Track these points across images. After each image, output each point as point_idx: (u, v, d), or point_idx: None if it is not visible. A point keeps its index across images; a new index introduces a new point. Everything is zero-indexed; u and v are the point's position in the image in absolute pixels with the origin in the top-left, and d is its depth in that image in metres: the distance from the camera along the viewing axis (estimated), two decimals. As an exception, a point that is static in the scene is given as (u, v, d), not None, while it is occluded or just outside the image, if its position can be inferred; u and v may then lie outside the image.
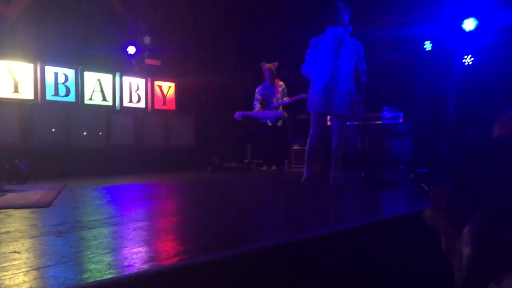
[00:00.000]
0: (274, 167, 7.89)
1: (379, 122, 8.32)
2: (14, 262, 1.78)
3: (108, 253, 1.99)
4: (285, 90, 7.70)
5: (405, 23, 7.97)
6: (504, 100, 6.69)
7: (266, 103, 7.80)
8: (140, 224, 2.81)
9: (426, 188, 0.77)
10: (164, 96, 8.91)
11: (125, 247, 2.10)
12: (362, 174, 5.02)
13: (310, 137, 4.86)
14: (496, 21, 7.31)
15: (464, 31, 7.76)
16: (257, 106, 7.76)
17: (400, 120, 8.23)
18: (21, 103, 6.90)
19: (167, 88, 8.97)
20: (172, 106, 9.04)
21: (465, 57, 7.81)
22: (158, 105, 8.84)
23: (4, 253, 1.92)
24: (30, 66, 7.06)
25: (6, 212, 3.25)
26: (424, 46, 8.53)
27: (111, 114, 7.93)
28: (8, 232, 2.45)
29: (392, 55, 8.15)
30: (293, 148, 8.77)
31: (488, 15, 7.49)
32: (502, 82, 6.86)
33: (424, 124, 8.18)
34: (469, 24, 7.71)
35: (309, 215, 3.21)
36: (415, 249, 2.38)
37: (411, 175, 0.82)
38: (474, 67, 7.76)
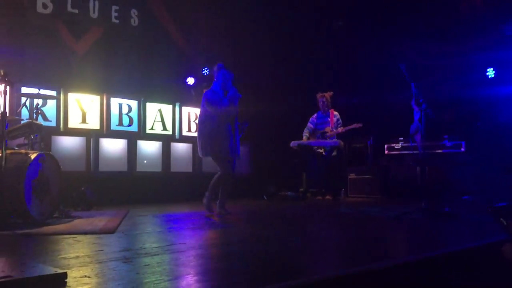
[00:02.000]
0: (328, 196, 7.81)
1: (440, 151, 8.06)
2: (85, 287, 1.87)
3: (172, 280, 2.05)
4: (340, 120, 7.66)
5: (466, 50, 7.79)
6: None
7: (317, 132, 7.76)
8: (199, 251, 2.88)
9: (505, 223, 0.76)
10: (221, 125, 9.10)
11: (187, 275, 2.15)
12: (423, 205, 4.86)
13: None
14: None
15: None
16: (306, 135, 7.74)
17: (462, 149, 7.94)
18: (88, 132, 7.28)
19: (224, 117, 9.16)
20: (229, 135, 9.20)
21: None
22: (216, 134, 9.02)
23: (75, 277, 2.02)
24: (97, 97, 7.46)
25: (74, 237, 3.42)
26: (487, 73, 8.26)
27: (170, 143, 8.18)
28: (77, 257, 2.58)
29: (453, 83, 7.95)
30: (349, 177, 8.66)
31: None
32: None
33: (487, 153, 7.85)
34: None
35: (366, 247, 3.15)
36: (487, 283, 2.28)
37: (488, 209, 0.82)
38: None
